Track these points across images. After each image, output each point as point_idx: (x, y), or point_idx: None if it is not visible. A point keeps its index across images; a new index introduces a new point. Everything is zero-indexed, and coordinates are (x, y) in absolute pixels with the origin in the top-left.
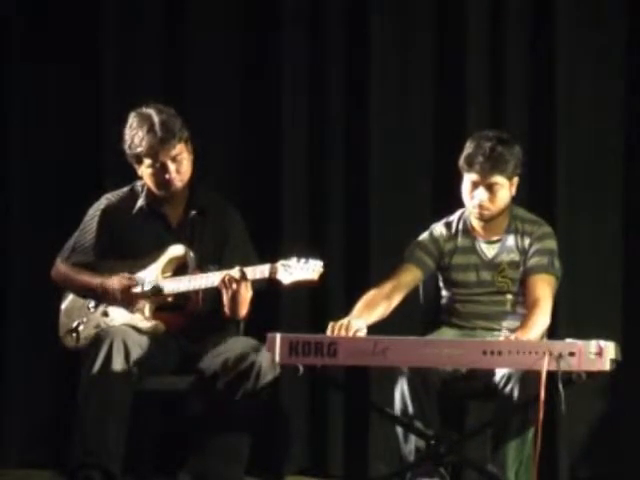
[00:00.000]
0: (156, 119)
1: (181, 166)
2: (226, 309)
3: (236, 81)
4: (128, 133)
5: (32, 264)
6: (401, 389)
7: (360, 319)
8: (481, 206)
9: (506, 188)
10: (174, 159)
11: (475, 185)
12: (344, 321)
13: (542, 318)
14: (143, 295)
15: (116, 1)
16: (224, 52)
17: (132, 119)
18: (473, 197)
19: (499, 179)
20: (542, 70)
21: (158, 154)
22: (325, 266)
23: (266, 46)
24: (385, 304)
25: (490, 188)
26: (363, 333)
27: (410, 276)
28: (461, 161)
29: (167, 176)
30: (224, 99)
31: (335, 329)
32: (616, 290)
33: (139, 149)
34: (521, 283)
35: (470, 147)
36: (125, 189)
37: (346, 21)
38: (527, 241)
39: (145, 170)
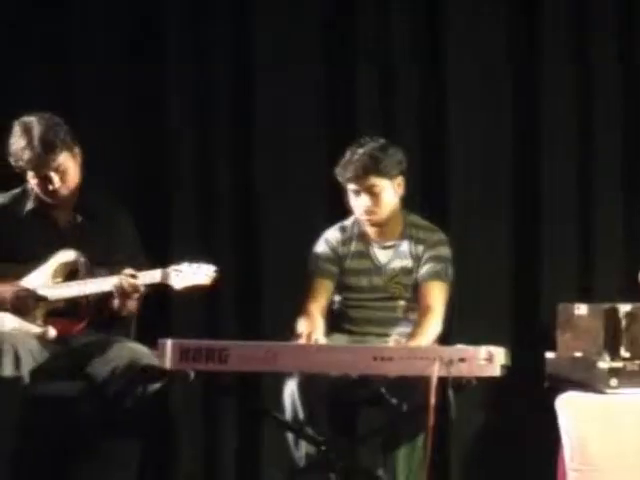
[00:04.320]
0: (36, 131)
1: (66, 175)
2: (116, 309)
3: (123, 77)
4: (12, 144)
5: None
6: (292, 394)
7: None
8: (367, 212)
9: (389, 189)
10: (57, 169)
11: (357, 193)
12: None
13: (434, 325)
14: (35, 302)
15: None
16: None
17: (15, 128)
18: (358, 206)
19: (376, 180)
20: (432, 74)
21: (39, 168)
22: (217, 271)
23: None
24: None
25: (370, 191)
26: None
27: (324, 290)
28: (337, 173)
29: (51, 187)
30: (113, 99)
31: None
32: (507, 296)
33: (20, 162)
34: (414, 290)
35: (344, 157)
36: (17, 190)
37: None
38: (421, 248)
39: (31, 180)
